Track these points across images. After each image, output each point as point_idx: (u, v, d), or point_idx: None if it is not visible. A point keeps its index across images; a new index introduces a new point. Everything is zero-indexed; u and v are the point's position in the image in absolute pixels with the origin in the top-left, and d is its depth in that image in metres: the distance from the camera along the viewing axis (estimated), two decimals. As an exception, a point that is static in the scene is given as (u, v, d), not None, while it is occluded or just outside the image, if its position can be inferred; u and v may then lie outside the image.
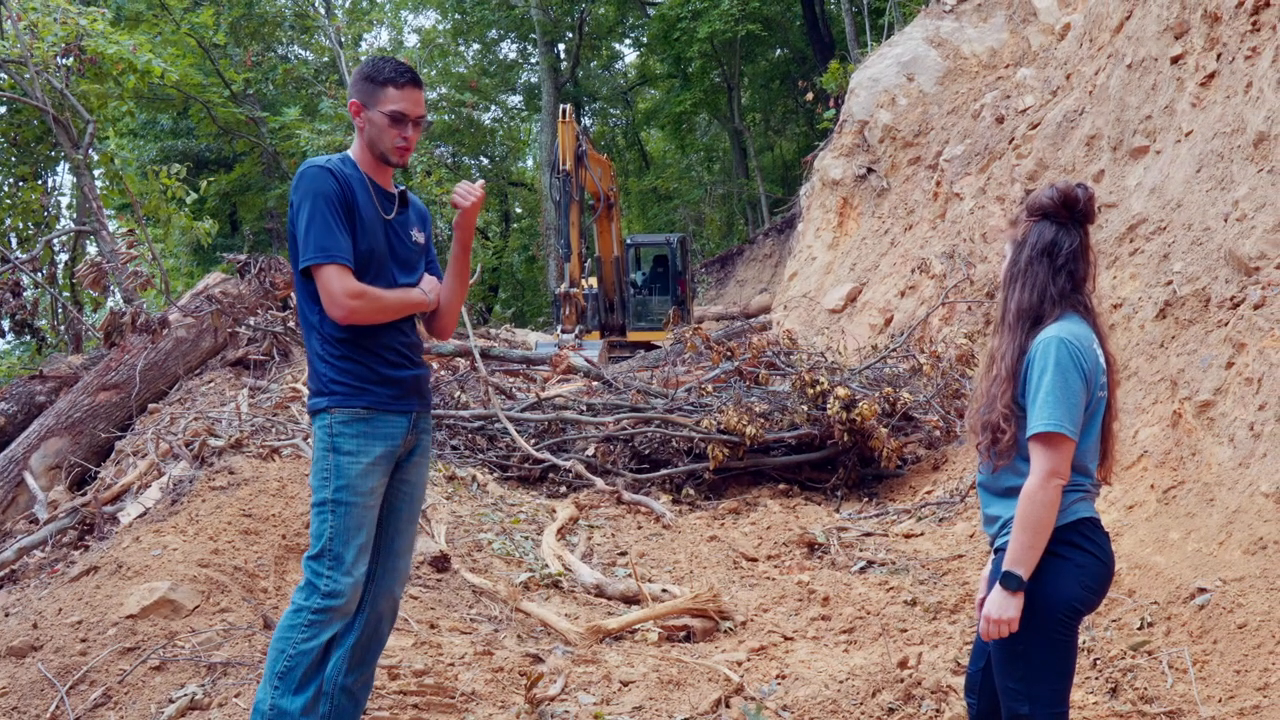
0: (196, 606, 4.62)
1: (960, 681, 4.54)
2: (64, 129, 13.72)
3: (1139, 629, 4.85)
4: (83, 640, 4.26)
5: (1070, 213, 3.02)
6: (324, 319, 3.37)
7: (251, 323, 10.86)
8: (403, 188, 3.59)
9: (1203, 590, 4.74)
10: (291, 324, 11.17)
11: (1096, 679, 4.53)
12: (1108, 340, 3.03)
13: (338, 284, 3.29)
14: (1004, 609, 2.90)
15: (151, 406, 9.54)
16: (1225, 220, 6.49)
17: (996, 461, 3.01)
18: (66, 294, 15.25)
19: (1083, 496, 2.95)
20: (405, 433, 3.48)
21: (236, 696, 3.87)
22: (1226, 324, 6.04)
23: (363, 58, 35.99)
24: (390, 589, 3.53)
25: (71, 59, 13.86)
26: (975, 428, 3.09)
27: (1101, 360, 2.96)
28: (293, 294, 11.56)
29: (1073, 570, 2.90)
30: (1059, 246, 3.00)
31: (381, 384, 3.41)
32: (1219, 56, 7.48)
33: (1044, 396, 2.86)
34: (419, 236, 3.63)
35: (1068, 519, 2.91)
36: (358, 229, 3.38)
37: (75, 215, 18.27)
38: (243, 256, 11.87)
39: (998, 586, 2.91)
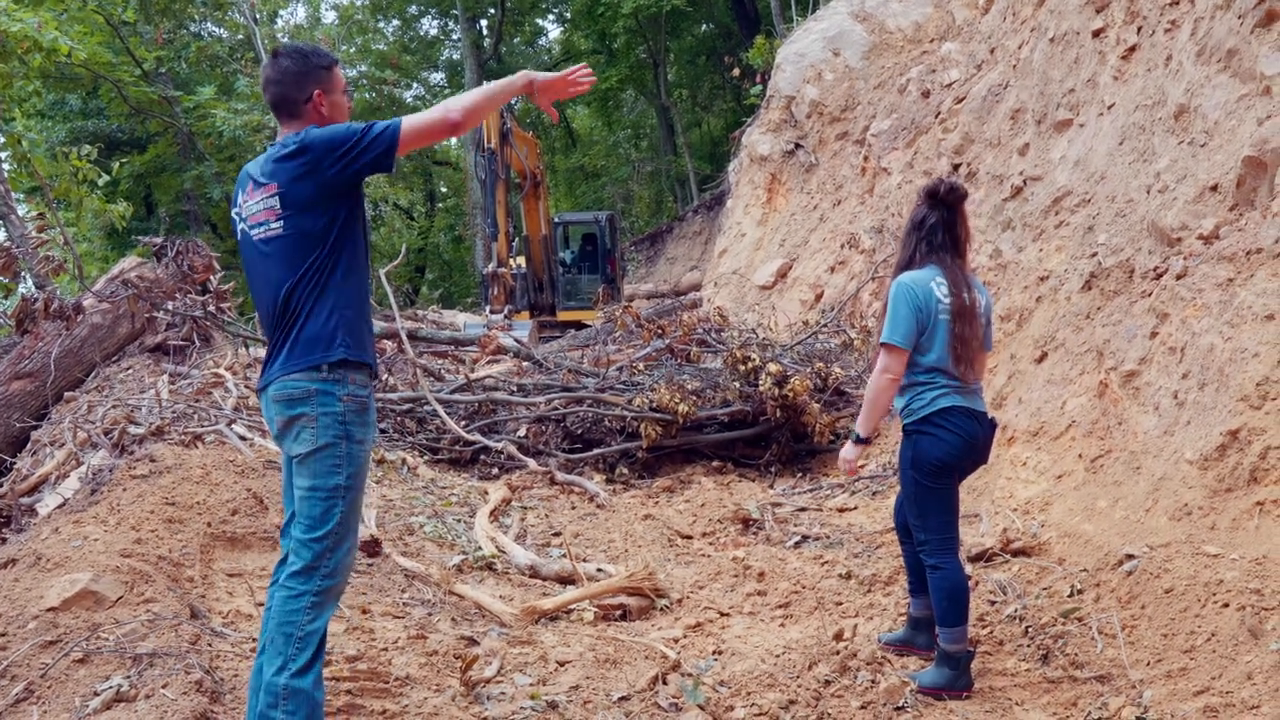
0: (120, 597, 4.48)
1: (894, 655, 4.63)
2: (-32, 109, 13.25)
3: (1069, 596, 4.91)
4: (1, 634, 4.11)
5: (935, 199, 4.31)
6: (342, 288, 3.39)
7: (170, 307, 10.59)
8: None
9: (1130, 557, 4.81)
10: (212, 308, 10.90)
11: (1028, 646, 4.58)
12: (966, 284, 4.24)
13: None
14: (847, 454, 4.46)
15: (68, 395, 9.28)
16: (1148, 192, 6.58)
17: None
18: (-25, 280, 14.72)
19: (944, 392, 4.20)
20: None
21: (164, 687, 3.75)
22: (1150, 294, 6.12)
23: (278, 35, 35.22)
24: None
25: (-26, 37, 13.39)
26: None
27: (938, 294, 4.19)
28: (212, 278, 11.33)
29: (934, 442, 4.18)
30: (925, 221, 4.33)
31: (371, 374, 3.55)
32: (1139, 30, 7.58)
33: (885, 320, 4.24)
34: None
35: (933, 408, 4.19)
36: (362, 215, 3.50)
37: (-18, 198, 17.64)
38: (159, 240, 11.58)
39: (850, 440, 4.45)
